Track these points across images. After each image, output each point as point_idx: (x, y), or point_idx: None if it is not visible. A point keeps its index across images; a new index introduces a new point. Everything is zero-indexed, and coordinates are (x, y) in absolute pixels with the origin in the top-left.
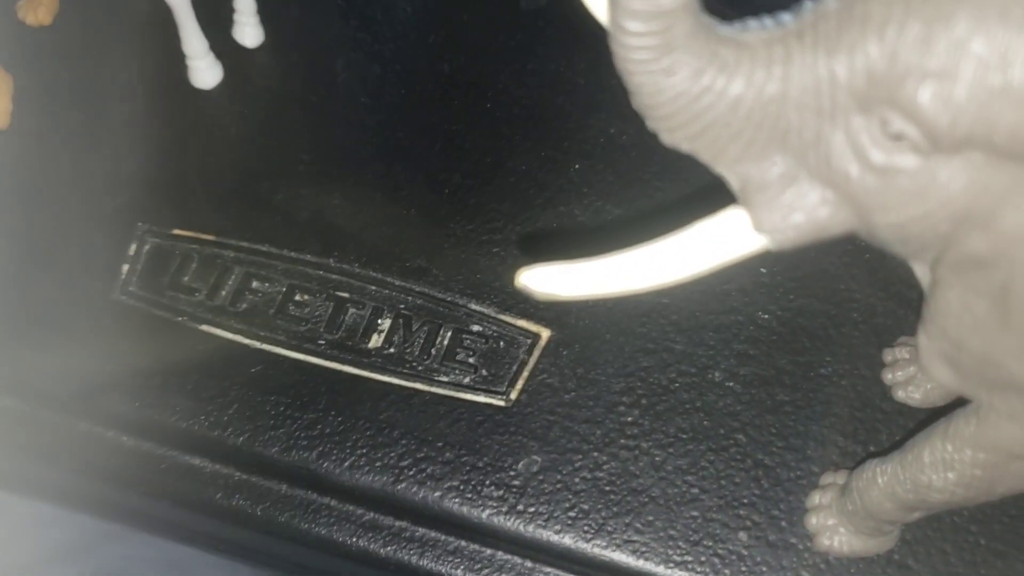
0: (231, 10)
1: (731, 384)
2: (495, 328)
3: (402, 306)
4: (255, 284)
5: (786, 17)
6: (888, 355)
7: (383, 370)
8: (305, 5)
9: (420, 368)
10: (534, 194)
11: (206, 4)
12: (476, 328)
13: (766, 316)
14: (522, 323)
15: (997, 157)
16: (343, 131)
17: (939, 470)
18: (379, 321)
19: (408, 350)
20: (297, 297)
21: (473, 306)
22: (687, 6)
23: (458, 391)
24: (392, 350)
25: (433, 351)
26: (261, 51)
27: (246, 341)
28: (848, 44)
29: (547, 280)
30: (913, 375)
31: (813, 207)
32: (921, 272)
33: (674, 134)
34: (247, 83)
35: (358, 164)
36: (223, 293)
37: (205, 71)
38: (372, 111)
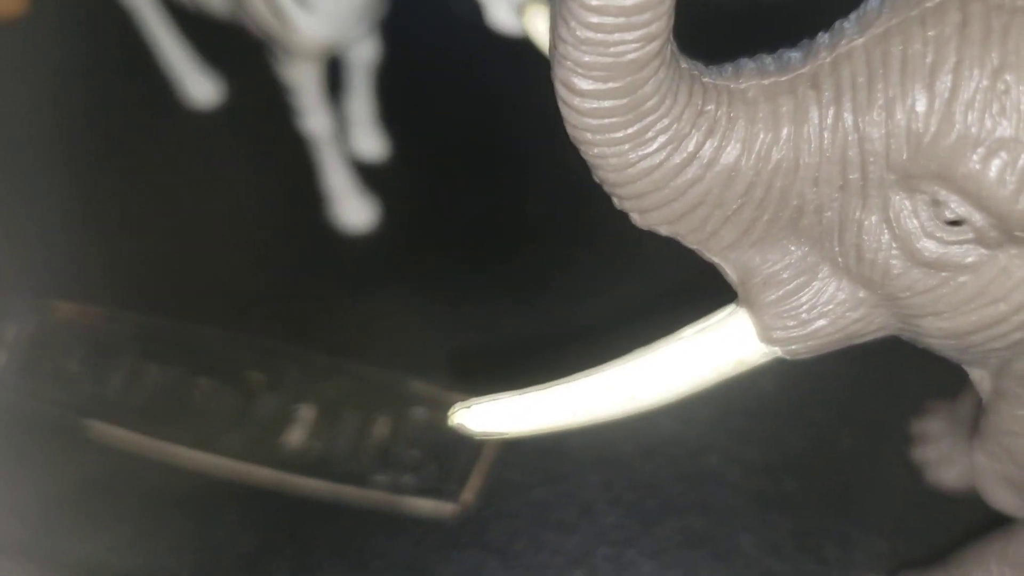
0: None
1: (730, 471)
2: (442, 412)
3: (328, 389)
4: (152, 367)
5: (794, 55)
6: (916, 426)
7: (306, 473)
8: None
9: (351, 469)
10: (487, 242)
11: None
12: (419, 413)
13: (767, 382)
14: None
15: None
16: (247, 184)
17: None
18: (300, 410)
19: (336, 446)
20: (201, 382)
21: (414, 386)
22: (659, 55)
23: (398, 496)
24: (317, 446)
25: (366, 446)
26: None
27: (142, 440)
28: (883, 96)
29: (490, 417)
30: (947, 452)
31: (840, 310)
32: (978, 377)
33: (650, 216)
34: None
35: (263, 218)
36: (115, 381)
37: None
38: (286, 165)
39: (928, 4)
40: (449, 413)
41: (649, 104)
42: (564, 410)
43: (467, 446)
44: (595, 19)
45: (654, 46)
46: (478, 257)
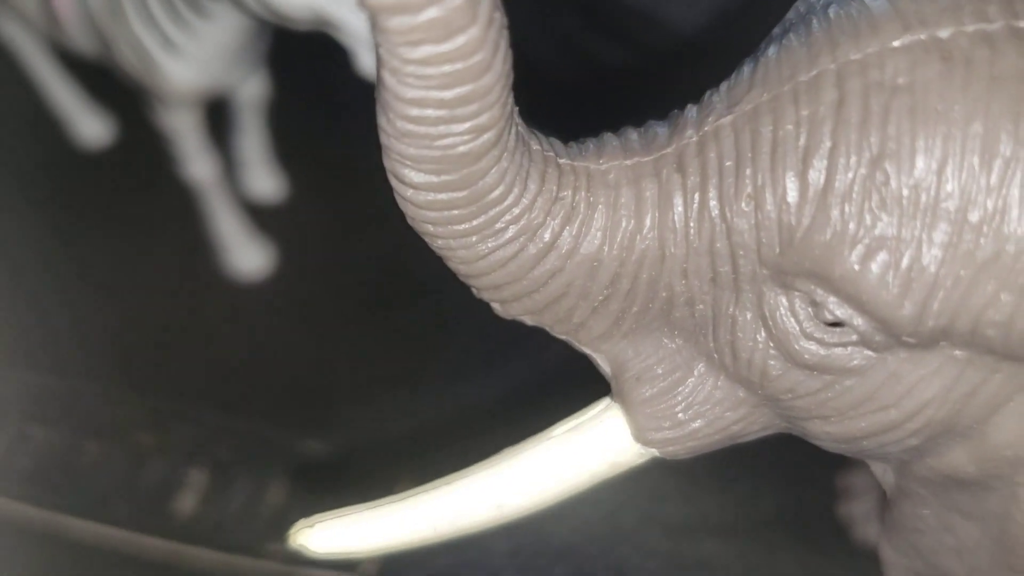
0: None
1: (647, 532)
2: (342, 473)
3: (219, 451)
4: (38, 430)
5: (660, 130)
6: (842, 481)
7: (198, 542)
8: None
9: (244, 537)
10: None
11: None
12: (316, 475)
13: None
14: (377, 452)
15: (989, 354)
16: (135, 228)
17: None
18: (190, 474)
19: (228, 512)
20: (89, 446)
21: (310, 445)
22: (498, 143)
23: (295, 567)
24: (208, 512)
25: (260, 512)
26: None
27: (26, 510)
28: (752, 184)
29: (338, 535)
30: (875, 507)
31: (718, 410)
32: (880, 471)
33: (511, 307)
34: None
35: (152, 265)
36: None
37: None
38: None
39: (801, 78)
40: (289, 533)
41: (494, 195)
42: (422, 524)
43: None
44: (414, 111)
45: (488, 137)
46: (374, 304)
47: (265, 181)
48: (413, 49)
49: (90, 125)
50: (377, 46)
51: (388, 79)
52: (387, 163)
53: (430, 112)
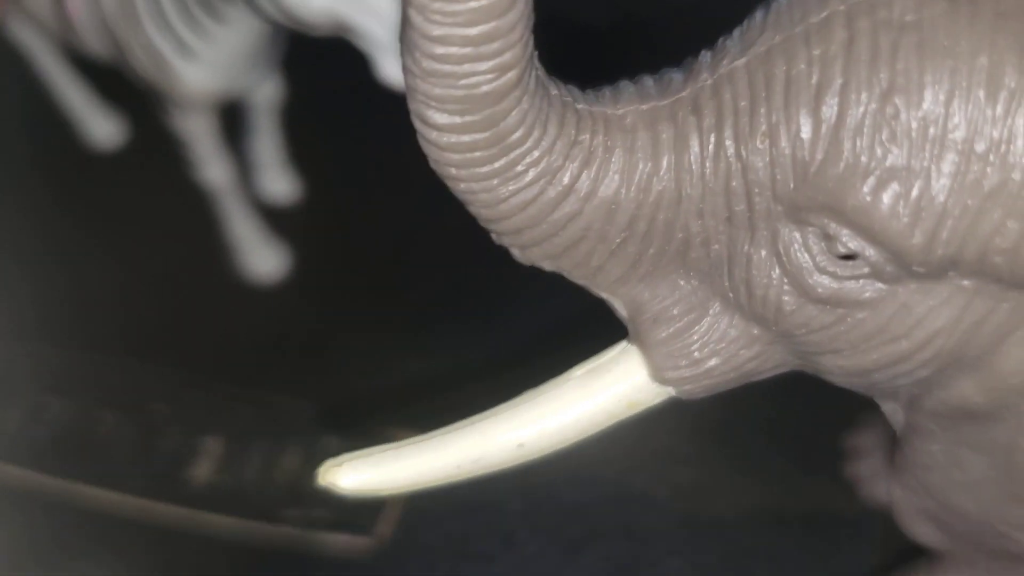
0: None
1: (657, 493)
2: (355, 441)
3: (234, 421)
4: (54, 402)
5: (675, 76)
6: (848, 441)
7: (214, 509)
8: None
9: (260, 503)
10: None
11: None
12: (330, 443)
13: (695, 400)
14: (390, 428)
15: (996, 283)
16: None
17: None
18: (205, 443)
19: (244, 479)
20: (105, 416)
21: (324, 415)
22: (520, 84)
23: (311, 531)
24: (223, 479)
25: (276, 479)
26: None
27: (43, 479)
28: (767, 122)
29: (365, 474)
30: (880, 466)
31: (733, 347)
32: (891, 410)
33: (531, 252)
34: None
35: (171, 242)
36: (14, 417)
37: None
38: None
39: (812, 20)
40: (318, 471)
41: (515, 137)
42: (446, 463)
43: None
44: (440, 50)
45: (511, 76)
46: (385, 289)
47: (280, 184)
48: None
49: (102, 127)
50: None
51: (414, 17)
52: (412, 105)
53: (455, 50)
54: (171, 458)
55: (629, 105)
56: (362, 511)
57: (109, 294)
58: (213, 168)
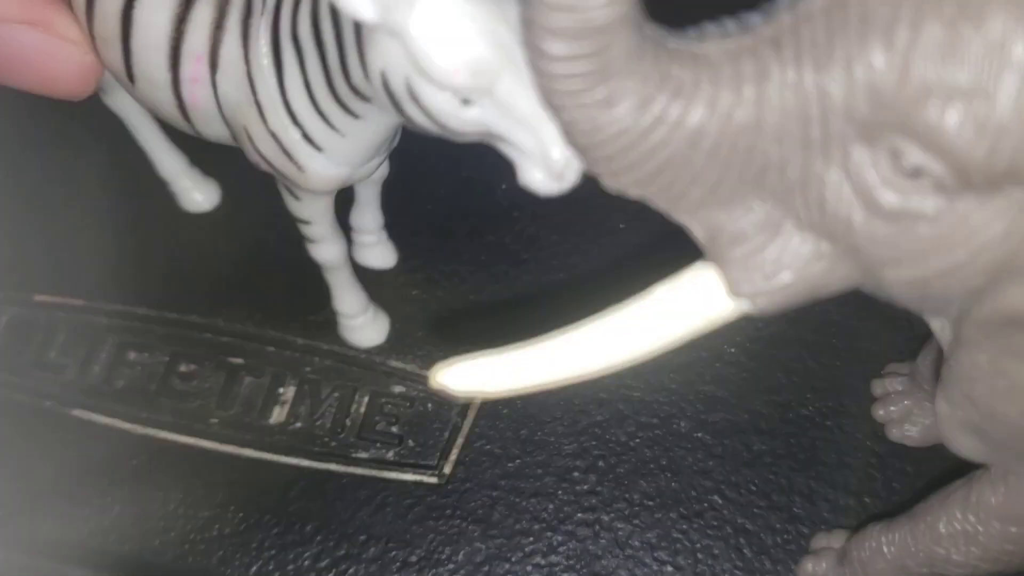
0: None
1: (699, 435)
2: (420, 387)
3: (307, 369)
4: (132, 355)
5: (755, 19)
6: (878, 387)
7: (289, 451)
8: None
9: (333, 445)
10: (458, 224)
11: None
12: (398, 389)
13: (732, 350)
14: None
15: None
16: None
17: (959, 544)
18: (281, 390)
19: (318, 423)
20: (182, 368)
21: (393, 363)
22: (626, 19)
23: (381, 470)
24: (299, 425)
25: (348, 422)
26: None
27: (125, 426)
28: (843, 54)
29: (471, 376)
30: (909, 409)
31: (804, 263)
32: (939, 327)
33: (620, 178)
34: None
35: (246, 204)
36: (96, 369)
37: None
38: None
39: None
40: (431, 374)
41: (617, 68)
42: (542, 368)
43: (445, 419)
44: None
45: (621, 9)
46: (451, 239)
47: (381, 255)
48: None
49: (197, 195)
50: None
51: None
52: (530, 38)
53: None
54: (247, 405)
55: (714, 43)
56: (427, 452)
57: (184, 255)
58: (328, 246)
